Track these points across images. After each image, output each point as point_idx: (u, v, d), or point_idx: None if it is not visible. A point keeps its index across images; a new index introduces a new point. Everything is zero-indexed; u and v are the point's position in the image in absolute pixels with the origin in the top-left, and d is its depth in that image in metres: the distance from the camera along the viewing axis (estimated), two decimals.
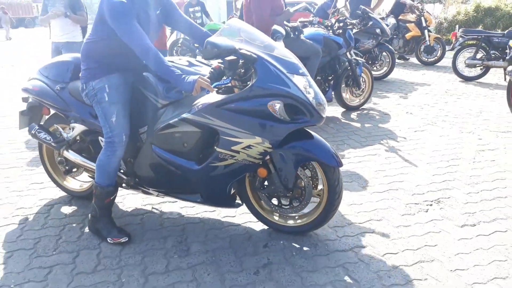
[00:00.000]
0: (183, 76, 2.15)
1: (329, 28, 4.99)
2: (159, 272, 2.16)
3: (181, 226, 2.61)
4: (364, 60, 5.28)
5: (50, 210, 2.84)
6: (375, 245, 2.36)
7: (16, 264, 2.24)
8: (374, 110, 5.23)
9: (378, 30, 6.45)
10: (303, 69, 2.19)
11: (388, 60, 7.01)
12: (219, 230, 2.56)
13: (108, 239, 2.41)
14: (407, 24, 8.26)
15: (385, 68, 7.06)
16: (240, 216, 2.69)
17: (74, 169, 2.93)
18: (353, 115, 5.09)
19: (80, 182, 3.05)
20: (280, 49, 2.22)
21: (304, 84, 2.12)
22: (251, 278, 2.10)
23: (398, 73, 7.66)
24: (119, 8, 2.14)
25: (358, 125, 4.66)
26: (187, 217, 2.71)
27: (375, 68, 7.01)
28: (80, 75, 2.45)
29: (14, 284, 2.08)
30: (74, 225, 2.64)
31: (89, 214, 2.52)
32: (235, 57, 2.03)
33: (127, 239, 2.41)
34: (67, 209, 2.85)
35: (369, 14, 6.47)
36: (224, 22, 7.60)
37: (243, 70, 2.12)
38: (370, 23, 6.40)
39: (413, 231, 2.51)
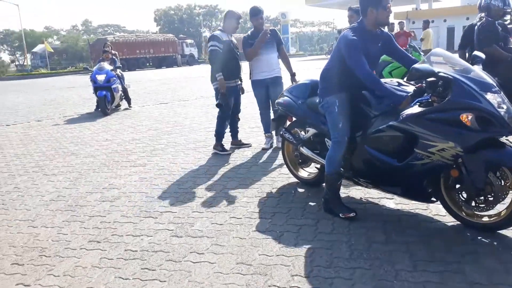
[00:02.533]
0: (395, 93, 2.84)
1: None
2: (379, 242, 2.79)
3: (396, 216, 3.19)
4: None
5: (295, 192, 3.83)
6: None
7: (277, 220, 3.23)
8: None
9: None
10: (497, 88, 2.56)
11: None
12: (431, 223, 3.04)
13: (340, 215, 3.18)
14: None
15: None
16: (449, 216, 3.08)
17: (305, 162, 3.89)
18: None
19: (307, 172, 4.03)
20: (477, 71, 2.65)
21: (498, 101, 2.50)
22: (457, 258, 2.52)
23: None
24: (352, 43, 2.97)
25: None
26: (402, 210, 3.27)
27: None
28: (318, 92, 3.36)
29: (278, 230, 3.06)
30: (312, 204, 3.53)
31: (323, 198, 3.36)
32: (435, 79, 2.56)
33: (355, 214, 3.14)
34: (304, 192, 3.79)
35: None
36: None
37: (441, 89, 2.62)
38: None
39: None
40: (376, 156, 3.03)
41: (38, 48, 51.86)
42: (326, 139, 3.51)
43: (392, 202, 3.43)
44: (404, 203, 3.38)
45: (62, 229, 3.34)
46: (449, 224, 2.99)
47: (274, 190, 3.90)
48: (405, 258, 2.57)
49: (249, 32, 5.41)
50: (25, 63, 56.35)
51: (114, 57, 10.63)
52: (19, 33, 54.17)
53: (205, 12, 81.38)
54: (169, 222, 3.34)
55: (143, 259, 2.77)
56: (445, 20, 37.49)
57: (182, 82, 18.41)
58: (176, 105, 10.72)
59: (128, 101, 10.65)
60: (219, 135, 5.36)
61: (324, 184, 3.43)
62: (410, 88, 2.95)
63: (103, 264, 2.74)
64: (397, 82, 3.11)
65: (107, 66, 9.99)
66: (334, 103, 3.16)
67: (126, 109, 10.49)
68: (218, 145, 5.39)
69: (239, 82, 5.38)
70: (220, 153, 5.32)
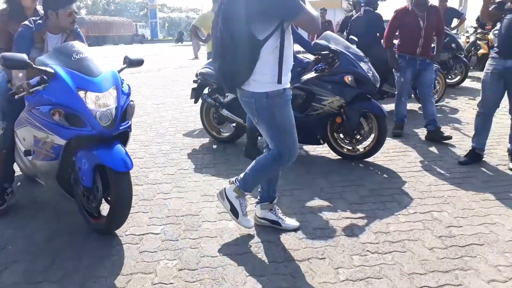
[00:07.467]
0: (303, 60, 4.01)
1: None
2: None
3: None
4: (438, 66, 6.51)
5: (224, 148, 4.63)
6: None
7: (221, 168, 3.97)
8: (446, 107, 6.49)
9: (453, 45, 7.62)
10: (366, 59, 3.87)
11: (461, 70, 8.11)
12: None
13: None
14: (481, 42, 9.24)
15: (458, 77, 8.15)
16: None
17: (222, 123, 4.71)
18: None
19: (221, 132, 4.88)
20: (354, 48, 3.91)
21: (366, 68, 3.79)
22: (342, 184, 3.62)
23: (474, 84, 8.61)
24: None
25: None
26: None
27: (449, 76, 8.10)
28: None
29: (225, 173, 3.80)
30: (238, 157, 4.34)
31: (244, 147, 4.31)
32: (327, 52, 3.71)
33: None
34: (231, 148, 4.59)
35: (446, 31, 7.68)
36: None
37: (331, 59, 3.79)
38: (447, 38, 7.60)
39: None
40: None
41: None
42: None
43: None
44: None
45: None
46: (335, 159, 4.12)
47: (206, 149, 4.62)
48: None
49: None
50: None
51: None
52: None
53: None
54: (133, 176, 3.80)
55: None
56: None
57: None
58: None
59: None
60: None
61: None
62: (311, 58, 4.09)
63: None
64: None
65: (87, 51, 2.66)
66: None
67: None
68: None
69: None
70: None
